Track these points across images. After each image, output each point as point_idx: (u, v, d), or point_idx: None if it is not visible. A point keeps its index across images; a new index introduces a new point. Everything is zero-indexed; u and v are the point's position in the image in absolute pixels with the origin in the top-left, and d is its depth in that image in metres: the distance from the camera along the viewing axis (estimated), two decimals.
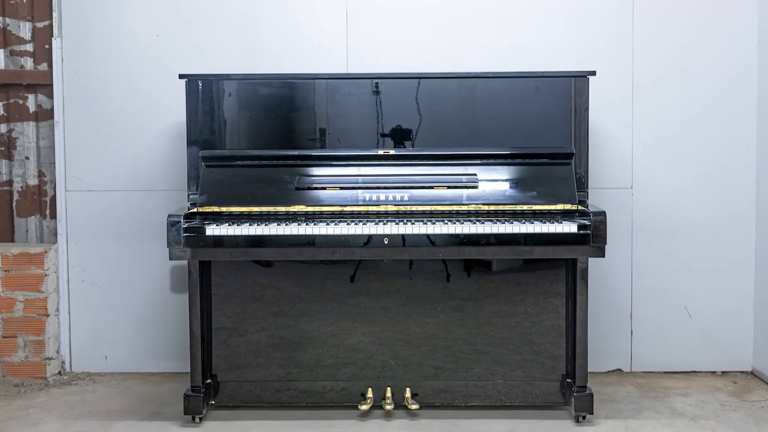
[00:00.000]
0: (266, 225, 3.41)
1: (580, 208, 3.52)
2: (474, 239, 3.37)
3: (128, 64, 4.24)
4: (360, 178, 3.62)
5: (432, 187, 3.59)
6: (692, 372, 4.26)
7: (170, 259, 3.42)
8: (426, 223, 3.41)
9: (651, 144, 4.21)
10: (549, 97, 3.71)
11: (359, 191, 3.59)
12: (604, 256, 3.41)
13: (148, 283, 4.28)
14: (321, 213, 3.55)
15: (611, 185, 4.21)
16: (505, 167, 3.62)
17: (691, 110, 4.20)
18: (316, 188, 3.59)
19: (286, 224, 3.42)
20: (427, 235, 3.38)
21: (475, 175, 3.60)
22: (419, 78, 3.76)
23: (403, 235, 3.38)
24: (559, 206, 3.54)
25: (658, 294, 4.25)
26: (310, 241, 3.39)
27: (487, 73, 3.82)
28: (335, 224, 3.41)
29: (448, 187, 3.59)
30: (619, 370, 4.28)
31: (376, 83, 3.76)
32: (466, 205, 3.56)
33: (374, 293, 3.71)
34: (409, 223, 3.41)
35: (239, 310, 3.71)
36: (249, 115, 3.79)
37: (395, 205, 3.56)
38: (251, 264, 3.71)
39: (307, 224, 3.43)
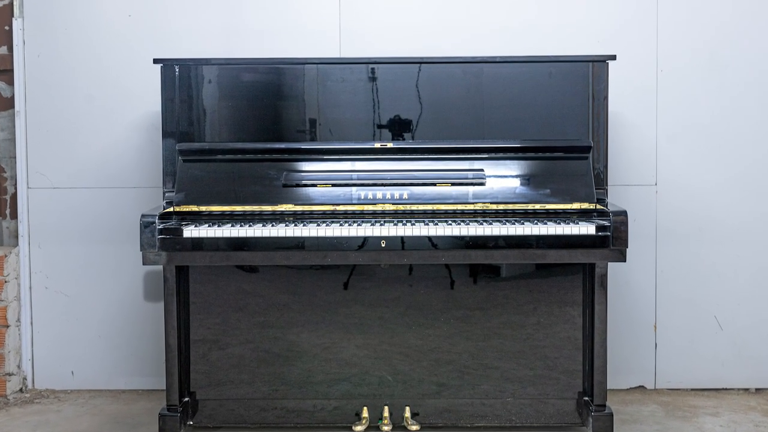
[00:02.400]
0: (250, 226, 3.40)
1: (598, 207, 3.51)
2: (481, 242, 3.37)
3: (97, 48, 4.24)
4: (354, 174, 3.61)
5: (434, 184, 3.59)
6: (723, 389, 4.26)
7: (144, 263, 3.41)
8: (427, 224, 3.40)
9: (677, 136, 4.20)
10: (564, 84, 3.71)
11: (354, 188, 3.58)
12: (625, 260, 3.41)
13: (120, 291, 4.27)
14: (311, 213, 3.54)
15: (633, 182, 4.21)
16: (516, 162, 3.62)
17: (722, 99, 4.20)
18: (305, 185, 3.59)
19: (273, 225, 3.42)
20: (429, 237, 3.37)
21: (482, 170, 3.60)
22: (420, 63, 3.76)
23: (402, 237, 3.37)
24: (576, 205, 3.54)
25: (685, 303, 4.25)
26: (299, 243, 3.38)
27: (496, 57, 3.82)
28: (327, 225, 3.40)
29: (452, 184, 3.59)
30: (642, 387, 4.28)
31: (372, 69, 3.75)
32: (472, 203, 3.55)
33: (370, 302, 3.71)
34: (408, 224, 3.40)
35: (220, 321, 3.70)
36: (231, 104, 3.78)
37: (393, 203, 3.56)
38: (234, 269, 3.70)
39: (295, 225, 3.42)
